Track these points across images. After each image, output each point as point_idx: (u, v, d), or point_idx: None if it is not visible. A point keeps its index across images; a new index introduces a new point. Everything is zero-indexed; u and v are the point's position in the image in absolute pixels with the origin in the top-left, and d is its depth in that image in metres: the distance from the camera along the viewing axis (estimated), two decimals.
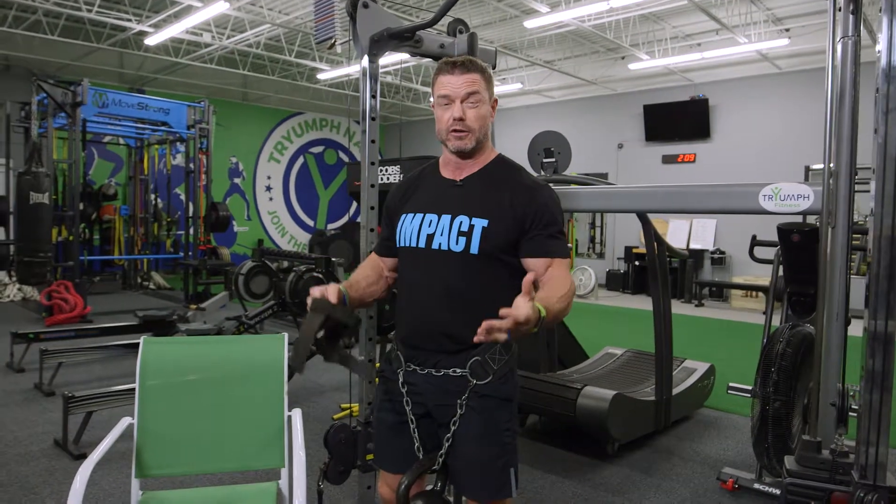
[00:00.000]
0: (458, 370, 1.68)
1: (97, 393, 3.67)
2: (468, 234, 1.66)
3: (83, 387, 4.58)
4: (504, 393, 1.71)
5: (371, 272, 1.88)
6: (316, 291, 1.58)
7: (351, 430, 2.38)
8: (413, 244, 1.74)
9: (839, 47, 1.81)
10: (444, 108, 1.69)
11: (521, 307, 1.34)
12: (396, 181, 3.46)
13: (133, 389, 3.69)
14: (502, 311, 1.33)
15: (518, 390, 1.77)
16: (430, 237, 1.71)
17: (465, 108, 1.66)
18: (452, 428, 1.68)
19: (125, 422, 2.07)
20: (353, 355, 1.67)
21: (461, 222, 1.68)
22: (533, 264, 1.67)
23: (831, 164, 1.80)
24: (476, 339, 1.34)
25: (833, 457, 1.70)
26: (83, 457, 3.45)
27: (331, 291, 1.60)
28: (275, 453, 2.13)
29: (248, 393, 2.16)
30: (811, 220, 3.10)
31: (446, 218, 1.70)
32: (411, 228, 1.75)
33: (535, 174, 3.39)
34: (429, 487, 1.74)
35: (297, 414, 2.18)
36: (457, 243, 1.67)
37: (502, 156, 1.81)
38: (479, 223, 1.66)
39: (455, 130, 1.67)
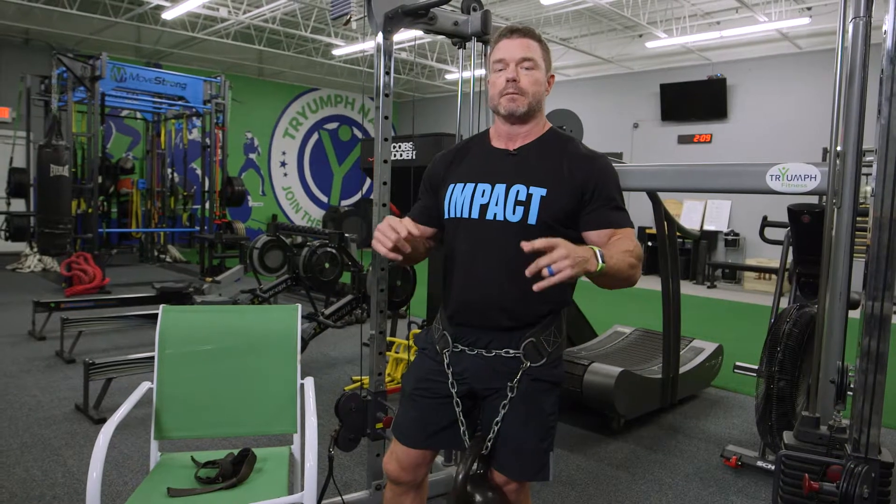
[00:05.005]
0: (511, 351, 1.63)
1: (117, 360, 3.78)
2: (526, 204, 1.60)
3: (103, 355, 4.69)
4: (554, 377, 1.68)
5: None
6: (385, 237, 1.50)
7: (361, 399, 2.45)
8: (465, 215, 1.66)
9: (850, 28, 1.81)
10: (499, 72, 1.64)
11: (552, 243, 1.33)
12: (409, 158, 3.50)
13: (151, 358, 3.81)
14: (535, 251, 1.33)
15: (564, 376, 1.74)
16: (484, 207, 1.64)
17: (520, 70, 1.62)
18: (502, 412, 1.63)
19: (144, 386, 2.15)
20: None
21: (518, 191, 1.61)
22: (595, 237, 1.60)
23: (838, 146, 1.82)
24: (536, 287, 1.33)
25: (831, 432, 1.74)
26: (103, 421, 3.53)
27: (409, 225, 1.52)
28: (288, 419, 2.21)
29: (263, 361, 2.24)
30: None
31: (501, 187, 1.63)
32: (462, 199, 1.67)
33: None
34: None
35: (309, 382, 2.25)
36: (514, 213, 1.60)
37: (556, 129, 1.75)
38: (538, 192, 1.60)
39: (508, 93, 1.62)
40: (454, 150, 1.83)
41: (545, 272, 1.31)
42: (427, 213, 1.80)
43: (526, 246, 1.34)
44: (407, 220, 1.54)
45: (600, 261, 1.39)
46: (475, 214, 1.65)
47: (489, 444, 1.66)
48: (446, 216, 1.73)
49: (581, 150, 1.69)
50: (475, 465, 1.67)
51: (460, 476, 1.62)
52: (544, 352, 1.65)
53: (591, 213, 1.61)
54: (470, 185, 1.68)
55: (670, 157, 11.44)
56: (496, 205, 1.62)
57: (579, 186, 1.60)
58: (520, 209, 1.60)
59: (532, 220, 1.59)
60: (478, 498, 1.63)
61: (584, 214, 1.62)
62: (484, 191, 1.65)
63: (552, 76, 1.70)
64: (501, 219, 1.62)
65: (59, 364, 4.70)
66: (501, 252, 1.60)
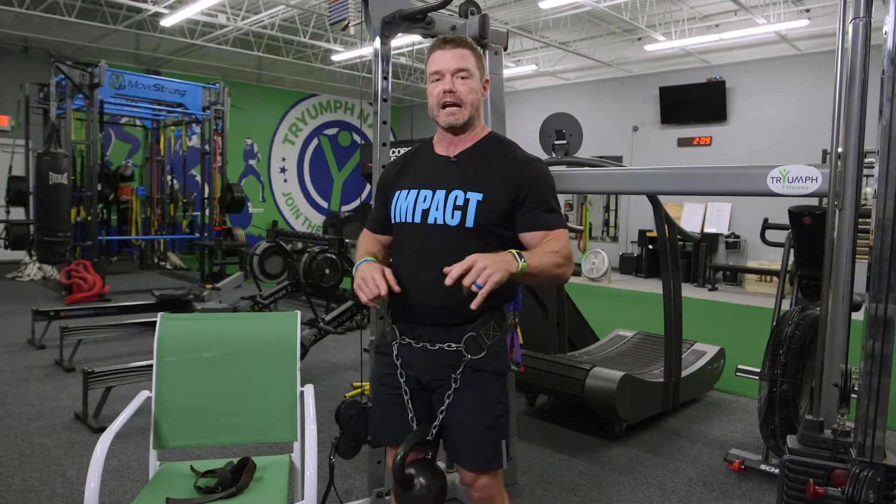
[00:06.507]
0: (453, 345, 1.72)
1: (116, 369, 3.76)
2: (463, 208, 1.69)
3: (102, 363, 4.68)
4: (497, 367, 1.76)
5: (379, 246, 1.91)
6: (368, 289, 1.63)
7: (362, 405, 2.42)
8: (408, 220, 1.77)
9: (850, 29, 1.80)
10: (436, 83, 1.75)
11: (468, 263, 1.47)
12: None
13: (151, 366, 3.81)
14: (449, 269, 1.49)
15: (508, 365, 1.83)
16: (426, 212, 1.74)
17: (456, 81, 1.71)
18: (447, 401, 1.73)
19: (143, 395, 2.14)
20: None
21: (456, 196, 1.71)
22: (529, 238, 1.71)
23: (839, 148, 1.81)
24: (473, 305, 1.46)
25: (835, 436, 1.72)
26: (102, 430, 3.49)
27: (390, 279, 1.65)
28: (288, 427, 2.20)
29: (262, 369, 2.22)
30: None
31: (441, 193, 1.73)
32: (406, 204, 1.78)
33: (546, 156, 3.41)
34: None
35: (309, 389, 2.23)
36: (452, 217, 1.70)
37: (494, 132, 1.86)
38: (475, 197, 1.70)
39: (446, 104, 1.72)
40: (403, 159, 1.92)
41: (474, 288, 1.44)
42: (384, 223, 1.89)
43: (448, 280, 1.47)
44: (389, 275, 1.66)
45: (520, 261, 1.53)
46: (417, 219, 1.75)
47: (434, 430, 1.75)
48: (393, 221, 1.83)
49: (518, 154, 1.79)
50: (414, 447, 1.74)
51: (398, 457, 1.69)
52: (484, 345, 1.72)
53: (524, 215, 1.71)
54: (413, 192, 1.78)
55: (670, 160, 11.43)
56: (436, 209, 1.73)
57: (514, 190, 1.70)
58: (458, 213, 1.70)
59: (469, 223, 1.69)
60: (419, 480, 1.71)
61: (519, 216, 1.72)
62: (426, 196, 1.75)
63: (486, 80, 1.81)
64: (441, 223, 1.72)
65: (58, 373, 4.68)
66: (442, 254, 1.68)
